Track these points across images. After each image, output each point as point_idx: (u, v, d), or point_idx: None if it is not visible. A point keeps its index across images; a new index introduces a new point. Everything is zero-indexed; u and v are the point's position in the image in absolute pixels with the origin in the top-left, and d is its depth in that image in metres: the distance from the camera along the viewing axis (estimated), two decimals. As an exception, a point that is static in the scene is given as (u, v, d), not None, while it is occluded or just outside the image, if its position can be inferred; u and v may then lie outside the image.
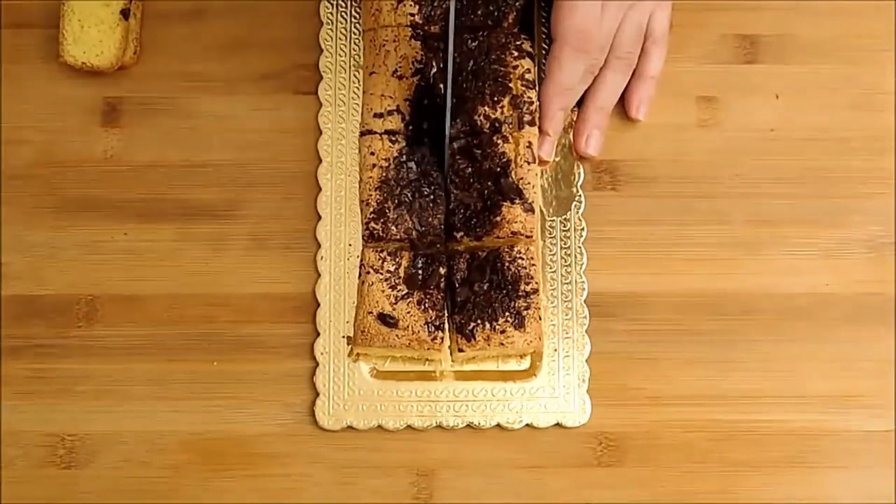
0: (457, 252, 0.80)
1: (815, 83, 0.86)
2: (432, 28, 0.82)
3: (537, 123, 0.81)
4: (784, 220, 0.84)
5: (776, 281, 0.83)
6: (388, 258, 0.79)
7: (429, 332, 0.78)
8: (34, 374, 0.82)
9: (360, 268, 0.80)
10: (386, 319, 0.78)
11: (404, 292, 0.78)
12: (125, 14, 0.84)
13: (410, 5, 0.82)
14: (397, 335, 0.78)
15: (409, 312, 0.78)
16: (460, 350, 0.78)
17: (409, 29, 0.82)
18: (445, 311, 0.80)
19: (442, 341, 0.79)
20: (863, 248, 0.84)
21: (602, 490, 0.80)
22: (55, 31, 0.85)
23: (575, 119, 0.84)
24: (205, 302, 0.83)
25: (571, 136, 0.85)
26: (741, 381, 0.82)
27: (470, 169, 0.80)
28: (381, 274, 0.79)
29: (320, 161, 0.84)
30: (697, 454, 0.81)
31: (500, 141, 0.80)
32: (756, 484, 0.80)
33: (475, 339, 0.78)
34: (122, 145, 0.86)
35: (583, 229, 0.83)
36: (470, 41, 0.82)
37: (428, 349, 0.78)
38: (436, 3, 0.82)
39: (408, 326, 0.78)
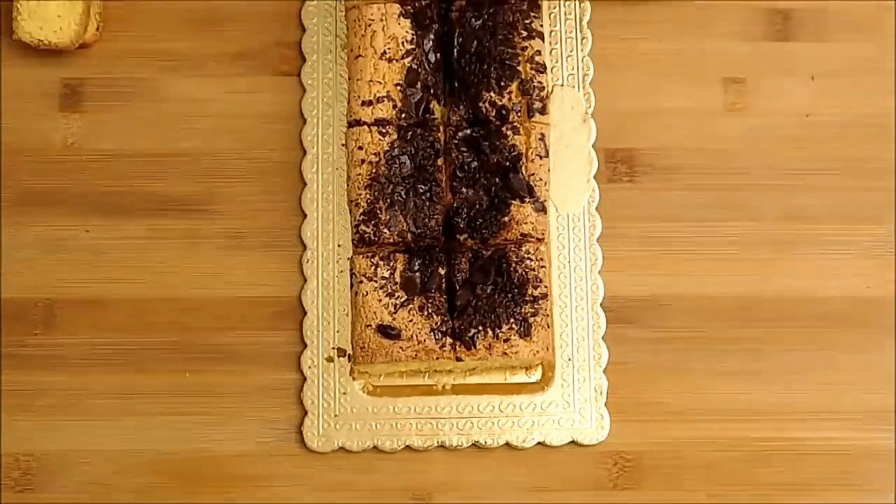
0: (458, 250, 0.79)
1: (855, 63, 0.85)
2: (422, 2, 0.80)
3: (548, 111, 0.79)
4: (820, 215, 0.83)
5: (811, 283, 0.82)
6: (381, 263, 0.78)
7: (436, 339, 0.76)
8: (-15, 387, 0.83)
9: (352, 277, 0.78)
10: (387, 331, 0.76)
11: (403, 299, 0.77)
12: (86, -14, 0.82)
13: (398, -22, 0.82)
14: (401, 347, 0.76)
15: (411, 321, 0.77)
16: (458, 359, 0.77)
17: (397, 5, 0.80)
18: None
19: (452, 347, 0.77)
20: (907, 246, 0.83)
21: (618, 516, 0.79)
22: (8, 4, 0.83)
23: (591, 111, 0.82)
24: (176, 306, 0.82)
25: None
26: (773, 395, 0.81)
27: (476, 163, 0.79)
28: (376, 282, 0.77)
29: (305, 153, 0.83)
30: (725, 476, 0.80)
31: (510, 132, 0.78)
32: (792, 509, 0.79)
33: (475, 347, 0.76)
34: (83, 132, 0.84)
35: (597, 225, 0.82)
36: (473, 19, 0.80)
37: (437, 358, 0.77)
38: None
39: (412, 336, 0.76)
